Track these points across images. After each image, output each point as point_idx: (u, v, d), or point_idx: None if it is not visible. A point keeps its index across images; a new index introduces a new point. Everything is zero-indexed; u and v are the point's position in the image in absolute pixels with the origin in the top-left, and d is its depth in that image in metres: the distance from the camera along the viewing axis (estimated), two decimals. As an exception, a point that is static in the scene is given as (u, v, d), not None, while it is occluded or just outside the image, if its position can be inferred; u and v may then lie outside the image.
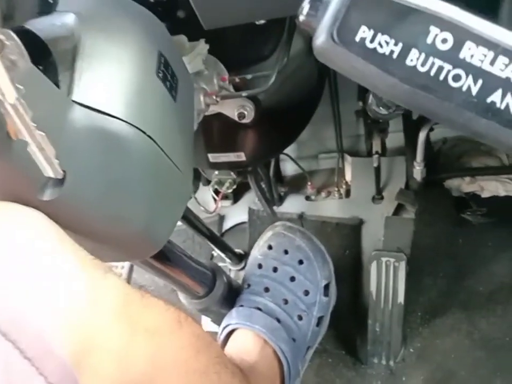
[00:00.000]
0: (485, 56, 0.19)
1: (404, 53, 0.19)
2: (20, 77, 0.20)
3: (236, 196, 0.98)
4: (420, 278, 0.79)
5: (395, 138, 0.90)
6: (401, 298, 0.74)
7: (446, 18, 0.19)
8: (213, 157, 0.66)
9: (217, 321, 0.73)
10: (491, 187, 0.84)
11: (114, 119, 0.29)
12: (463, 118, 0.19)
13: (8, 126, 0.22)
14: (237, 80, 0.54)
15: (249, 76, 0.53)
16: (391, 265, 0.75)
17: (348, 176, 0.97)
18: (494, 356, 0.71)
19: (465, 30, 0.19)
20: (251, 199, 0.97)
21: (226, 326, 0.67)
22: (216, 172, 0.74)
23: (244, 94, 0.50)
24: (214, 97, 0.50)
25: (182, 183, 0.35)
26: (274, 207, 0.94)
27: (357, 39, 0.20)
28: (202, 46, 0.52)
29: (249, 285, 0.72)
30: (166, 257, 0.57)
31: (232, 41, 0.55)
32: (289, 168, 1.02)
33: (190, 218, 0.72)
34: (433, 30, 0.19)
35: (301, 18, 0.22)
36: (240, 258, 0.90)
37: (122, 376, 0.25)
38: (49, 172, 0.23)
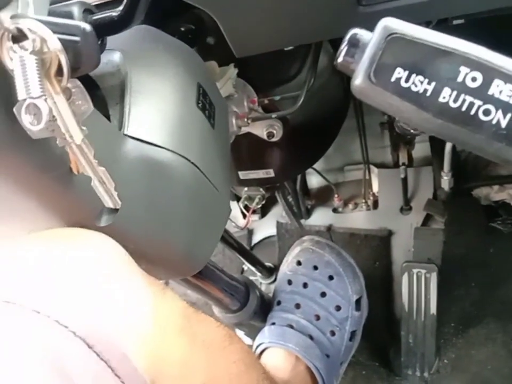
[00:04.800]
0: None
1: (437, 91, 0.21)
2: (84, 119, 0.23)
3: (264, 210, 1.00)
4: (452, 288, 0.79)
5: (421, 148, 0.90)
6: (433, 309, 0.74)
7: (475, 58, 0.21)
8: (242, 174, 0.68)
9: (250, 335, 0.75)
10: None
11: (162, 149, 0.31)
12: (494, 148, 0.21)
13: (71, 163, 0.25)
14: (266, 101, 0.56)
15: (277, 97, 0.55)
16: (422, 276, 0.75)
17: (375, 188, 0.97)
18: (532, 366, 0.71)
19: (493, 68, 0.20)
20: (278, 212, 0.98)
21: (260, 345, 0.68)
22: (246, 188, 0.76)
23: (274, 115, 0.52)
24: (245, 119, 0.52)
25: (222, 205, 0.37)
26: (302, 220, 0.95)
27: (393, 79, 0.22)
28: (232, 71, 0.54)
29: (279, 302, 0.73)
30: (200, 272, 0.59)
31: (260, 64, 0.57)
32: (315, 181, 1.03)
33: (220, 233, 0.74)
34: (463, 69, 0.21)
35: (339, 60, 0.24)
36: (270, 271, 0.91)
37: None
38: (109, 203, 0.25)
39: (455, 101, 0.21)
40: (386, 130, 0.87)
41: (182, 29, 0.54)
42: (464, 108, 0.21)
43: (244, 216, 0.88)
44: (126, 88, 0.31)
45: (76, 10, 0.28)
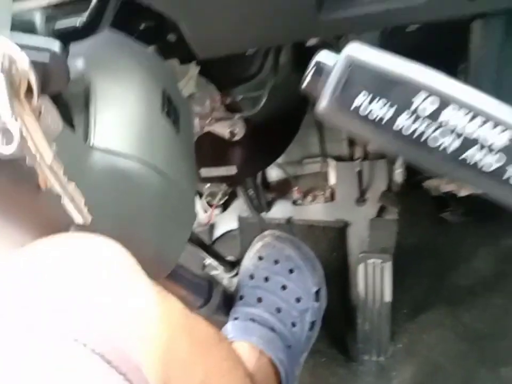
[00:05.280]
0: (463, 118, 0.22)
1: (393, 119, 0.23)
2: (54, 138, 0.22)
3: (225, 204, 1.00)
4: (405, 277, 0.83)
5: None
6: (388, 297, 0.78)
7: (429, 85, 0.22)
8: (205, 172, 0.68)
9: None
10: (468, 186, 0.89)
11: (129, 158, 0.31)
12: (443, 170, 0.23)
13: (39, 179, 0.25)
14: (228, 101, 0.56)
15: (239, 97, 0.55)
16: (377, 266, 0.79)
17: (332, 180, 1.00)
18: (478, 347, 0.76)
19: (446, 98, 0.22)
20: (239, 206, 0.99)
21: None
22: (208, 185, 0.76)
23: (237, 116, 0.53)
24: (209, 120, 0.52)
25: (190, 207, 0.38)
26: (263, 213, 0.96)
27: (353, 106, 0.23)
28: (194, 69, 0.54)
29: (242, 297, 0.75)
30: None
31: (221, 62, 0.57)
32: (274, 174, 1.04)
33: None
34: (418, 97, 0.22)
35: (305, 86, 0.25)
36: (232, 265, 0.92)
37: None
38: (79, 219, 0.25)
39: (409, 126, 0.23)
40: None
41: (141, 27, 0.53)
42: (417, 133, 0.23)
43: (205, 211, 0.88)
44: (90, 95, 0.31)
45: (38, 19, 0.27)
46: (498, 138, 0.22)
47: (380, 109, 0.23)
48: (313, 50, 0.59)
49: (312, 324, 0.73)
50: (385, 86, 0.23)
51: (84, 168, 0.28)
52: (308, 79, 0.25)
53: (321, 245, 0.92)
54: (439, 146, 0.23)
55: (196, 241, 0.78)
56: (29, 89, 0.20)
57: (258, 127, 0.61)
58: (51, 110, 0.21)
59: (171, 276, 0.62)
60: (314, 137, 0.96)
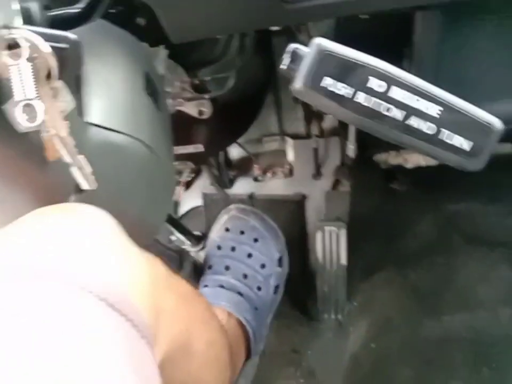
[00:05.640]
0: (405, 95, 0.28)
1: (354, 94, 0.28)
2: (66, 115, 0.26)
3: (188, 182, 1.04)
4: (358, 242, 0.90)
5: (330, 120, 1.00)
6: (343, 261, 0.85)
7: (380, 70, 0.28)
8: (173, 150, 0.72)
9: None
10: (414, 159, 0.98)
11: (119, 133, 0.35)
12: (394, 135, 0.29)
13: (47, 151, 0.28)
14: (196, 82, 0.60)
15: (207, 78, 0.59)
16: (333, 233, 0.86)
17: (290, 157, 1.06)
18: (423, 301, 0.85)
19: (392, 78, 0.28)
20: (202, 184, 1.03)
21: None
22: (176, 163, 0.80)
23: (207, 96, 0.57)
24: (179, 99, 0.56)
25: (171, 177, 0.42)
26: (226, 190, 1.01)
27: (322, 85, 0.29)
28: (163, 52, 0.57)
29: (211, 266, 0.80)
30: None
31: (188, 46, 0.61)
32: (236, 153, 1.09)
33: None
34: (372, 78, 0.28)
35: (282, 67, 0.30)
36: (199, 239, 0.96)
37: (175, 332, 0.33)
38: (86, 186, 0.29)
39: (366, 101, 0.28)
40: (299, 105, 0.96)
41: (111, 10, 0.56)
42: (372, 106, 0.29)
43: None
44: (82, 78, 0.34)
45: (34, 7, 0.30)
46: (432, 111, 0.29)
47: (343, 88, 0.29)
48: (273, 34, 0.64)
49: (276, 287, 0.79)
50: (346, 69, 0.29)
51: (83, 141, 0.31)
52: (285, 63, 0.30)
53: (282, 217, 0.98)
54: (390, 115, 0.29)
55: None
56: (49, 73, 0.24)
57: (225, 107, 0.65)
58: (65, 90, 0.25)
59: (145, 247, 0.66)
60: (272, 116, 1.01)
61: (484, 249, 0.88)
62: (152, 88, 0.40)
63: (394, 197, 0.96)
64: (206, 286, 0.77)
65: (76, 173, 0.28)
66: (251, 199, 1.01)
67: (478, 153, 0.31)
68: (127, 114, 0.36)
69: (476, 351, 0.76)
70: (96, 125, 0.33)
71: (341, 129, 0.97)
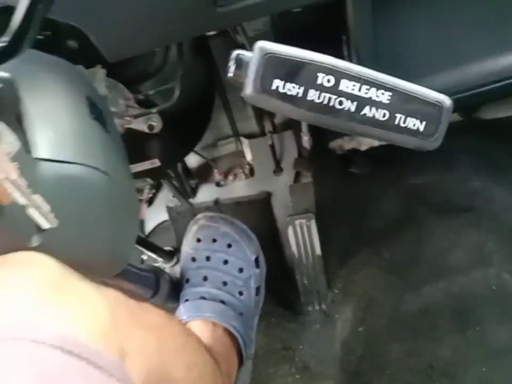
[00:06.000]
0: (354, 86, 0.28)
1: (305, 93, 0.28)
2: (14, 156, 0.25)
3: (150, 199, 1.02)
4: (329, 230, 0.92)
5: (281, 115, 1.00)
6: (318, 251, 0.86)
7: (326, 65, 0.28)
8: (129, 169, 0.70)
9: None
10: (367, 141, 0.99)
11: (71, 164, 0.33)
12: (349, 127, 0.29)
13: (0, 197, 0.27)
14: (141, 97, 0.58)
15: (151, 92, 0.58)
16: (304, 226, 0.86)
17: (249, 157, 1.05)
18: (401, 276, 0.87)
19: (340, 71, 0.28)
20: (164, 198, 1.01)
21: None
22: (135, 181, 0.78)
23: (154, 110, 0.56)
24: (126, 117, 0.54)
25: (133, 201, 0.41)
26: (190, 200, 1.00)
27: (273, 87, 0.28)
28: (101, 72, 0.55)
29: (188, 280, 0.78)
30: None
31: (126, 61, 0.59)
32: (193, 161, 1.07)
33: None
34: (320, 75, 0.28)
35: (230, 75, 0.29)
36: (171, 254, 0.95)
37: (149, 366, 0.32)
38: (46, 225, 0.28)
39: (318, 98, 0.28)
40: (248, 104, 0.95)
41: (39, 37, 0.53)
42: (325, 102, 0.29)
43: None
44: (22, 114, 0.32)
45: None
46: (383, 97, 0.29)
47: (293, 88, 0.28)
48: (210, 37, 0.63)
49: (258, 288, 0.79)
50: (294, 69, 0.29)
51: (36, 179, 0.30)
52: (231, 70, 0.30)
53: (251, 218, 0.98)
54: (343, 108, 0.29)
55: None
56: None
57: (175, 118, 0.64)
58: (7, 131, 0.23)
59: (118, 273, 0.64)
60: (224, 119, 1.00)
61: (449, 217, 0.91)
62: (97, 112, 0.38)
63: (355, 180, 0.98)
64: (187, 300, 0.76)
65: (33, 214, 0.27)
66: (217, 204, 1.00)
67: (433, 132, 0.32)
68: (76, 143, 0.34)
69: (458, 317, 0.78)
70: (46, 160, 0.32)
71: (293, 123, 0.98)
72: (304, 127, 0.95)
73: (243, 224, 0.80)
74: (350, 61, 0.56)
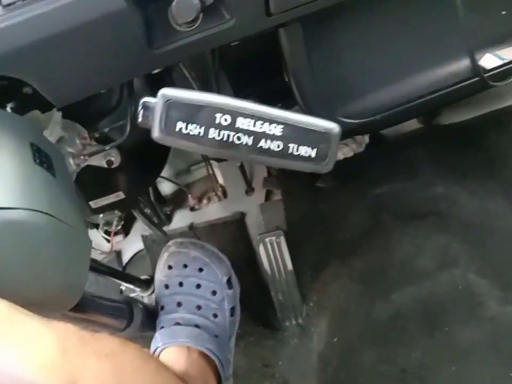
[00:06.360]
0: (249, 123, 0.31)
1: (206, 132, 0.31)
2: None
3: (126, 229, 1.04)
4: (301, 244, 0.94)
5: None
6: (290, 266, 0.88)
7: (223, 106, 0.31)
8: (94, 203, 0.72)
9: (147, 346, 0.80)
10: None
11: (15, 209, 0.36)
12: (250, 158, 0.32)
13: None
14: (97, 135, 0.61)
15: (106, 129, 0.61)
16: (274, 243, 0.89)
17: (221, 180, 1.08)
18: (371, 285, 0.89)
19: (235, 111, 0.32)
20: (141, 227, 1.04)
21: (155, 350, 0.74)
22: (101, 215, 0.80)
23: (108, 147, 0.58)
24: (82, 156, 0.57)
25: (83, 239, 0.43)
26: (165, 227, 1.02)
27: (177, 129, 0.31)
28: (56, 115, 0.58)
29: (163, 307, 0.79)
30: (79, 305, 0.63)
31: (81, 102, 0.62)
32: (167, 188, 1.10)
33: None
34: (218, 115, 0.32)
35: (139, 120, 0.32)
36: (148, 283, 0.96)
37: None
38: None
39: (218, 135, 0.32)
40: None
41: (-6, 86, 0.56)
42: (225, 139, 0.32)
43: (108, 240, 0.91)
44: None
45: None
46: (276, 130, 0.32)
47: (195, 128, 0.32)
48: (163, 74, 0.67)
49: (232, 309, 0.80)
50: (194, 111, 0.32)
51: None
52: (140, 116, 0.33)
53: (225, 239, 1.00)
54: (241, 143, 0.32)
55: (105, 271, 0.81)
56: None
57: (133, 151, 0.66)
58: None
59: (90, 307, 0.66)
60: (193, 145, 1.03)
61: (415, 223, 0.94)
62: (42, 157, 0.41)
63: (323, 194, 1.01)
64: (162, 327, 0.77)
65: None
66: (191, 229, 1.03)
67: (324, 157, 0.35)
68: (19, 189, 0.37)
69: (427, 320, 0.81)
70: (-13, 208, 0.34)
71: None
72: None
73: (212, 246, 0.82)
74: (291, 87, 0.60)
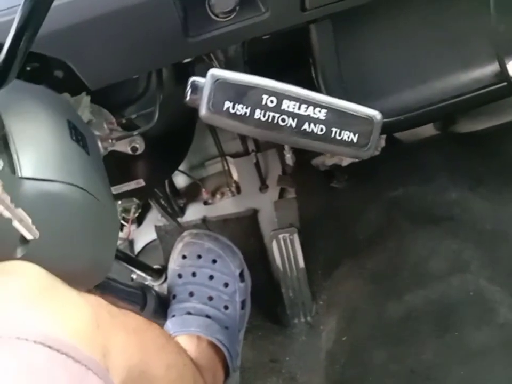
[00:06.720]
0: (295, 105, 0.32)
1: (252, 112, 0.33)
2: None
3: (139, 219, 1.05)
4: (313, 242, 0.95)
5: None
6: (302, 264, 0.89)
7: (269, 88, 0.33)
8: (115, 189, 0.73)
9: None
10: (348, 157, 1.04)
11: (53, 182, 0.37)
12: (292, 141, 0.34)
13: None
14: (124, 121, 0.62)
15: (134, 116, 0.62)
16: (287, 240, 0.89)
17: (235, 176, 1.09)
18: (383, 286, 0.90)
19: (281, 93, 0.33)
20: (153, 218, 1.05)
21: None
22: (120, 202, 0.81)
23: (135, 132, 0.59)
24: (109, 140, 0.58)
25: (113, 217, 0.44)
26: (179, 219, 1.03)
27: (224, 108, 0.33)
28: (86, 99, 0.59)
29: (175, 296, 0.81)
30: (97, 287, 0.64)
31: (110, 88, 0.63)
32: (181, 181, 1.11)
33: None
34: (264, 96, 0.32)
35: (187, 99, 0.34)
36: (160, 273, 0.97)
37: (130, 363, 0.35)
38: (29, 236, 0.31)
39: (264, 116, 0.33)
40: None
41: (28, 68, 0.58)
42: (270, 120, 0.33)
43: (122, 227, 0.93)
44: (8, 138, 0.36)
45: None
46: (320, 114, 0.33)
47: (241, 108, 0.33)
48: (189, 65, 0.68)
49: (243, 302, 0.81)
50: (241, 92, 0.34)
51: (20, 195, 0.33)
52: (188, 95, 0.34)
53: (237, 234, 1.01)
54: (286, 125, 0.33)
55: (120, 256, 0.82)
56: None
57: (157, 140, 0.68)
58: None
59: (107, 289, 0.67)
60: (210, 140, 1.04)
61: (429, 227, 0.94)
62: (78, 135, 0.42)
63: (338, 194, 1.01)
64: (173, 315, 0.78)
65: (17, 226, 0.30)
66: (204, 223, 1.04)
67: (366, 143, 0.36)
68: (57, 163, 0.38)
69: (438, 322, 0.81)
70: (29, 178, 0.35)
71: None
72: (286, 145, 1.00)
73: (227, 239, 0.83)
74: (317, 82, 0.60)
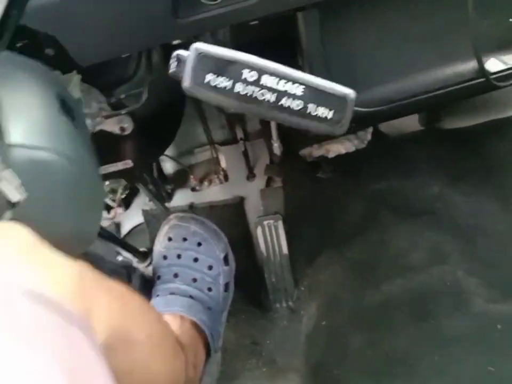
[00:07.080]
0: (273, 81, 0.34)
1: (233, 86, 0.34)
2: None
3: (126, 202, 1.06)
4: (298, 231, 0.96)
5: (253, 124, 1.06)
6: (285, 250, 0.91)
7: (250, 64, 0.34)
8: (102, 169, 0.74)
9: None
10: (334, 148, 1.06)
11: (41, 149, 0.38)
12: (270, 115, 0.36)
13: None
14: (112, 100, 0.63)
15: (123, 96, 0.63)
16: (271, 226, 0.91)
17: (223, 163, 1.11)
18: (362, 275, 0.92)
19: (261, 69, 0.34)
20: (141, 202, 1.06)
21: None
22: (107, 182, 0.82)
23: (124, 111, 0.60)
24: (98, 118, 0.59)
25: (99, 189, 0.45)
26: (166, 204, 1.04)
27: (206, 81, 0.34)
28: (76, 77, 0.60)
29: (159, 276, 0.82)
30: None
31: (100, 67, 0.64)
32: (170, 167, 1.12)
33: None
34: (245, 71, 0.34)
35: (171, 71, 0.35)
36: (145, 255, 0.99)
37: (111, 324, 0.36)
38: (17, 197, 0.32)
39: (244, 90, 0.34)
40: (222, 113, 1.01)
41: (18, 45, 0.58)
42: (249, 94, 0.35)
43: (109, 209, 0.94)
44: (-2, 106, 0.37)
45: None
46: (297, 90, 0.35)
47: (222, 82, 0.34)
48: (179, 48, 0.69)
49: (226, 285, 0.83)
50: (223, 66, 0.35)
51: (8, 160, 0.34)
52: (172, 67, 0.35)
53: (224, 221, 1.02)
54: (264, 99, 0.35)
55: (106, 236, 0.83)
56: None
57: (145, 121, 0.69)
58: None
59: (92, 264, 0.68)
60: (199, 128, 1.05)
61: (410, 220, 0.97)
62: (67, 108, 0.43)
63: (323, 184, 1.03)
64: (157, 295, 0.79)
65: (5, 187, 0.31)
66: (191, 208, 1.05)
67: (340, 120, 0.37)
68: (46, 132, 0.39)
69: (414, 310, 0.83)
70: (17, 145, 0.36)
71: (264, 131, 1.04)
72: (274, 135, 1.01)
73: (212, 223, 0.85)
74: (303, 70, 0.62)
